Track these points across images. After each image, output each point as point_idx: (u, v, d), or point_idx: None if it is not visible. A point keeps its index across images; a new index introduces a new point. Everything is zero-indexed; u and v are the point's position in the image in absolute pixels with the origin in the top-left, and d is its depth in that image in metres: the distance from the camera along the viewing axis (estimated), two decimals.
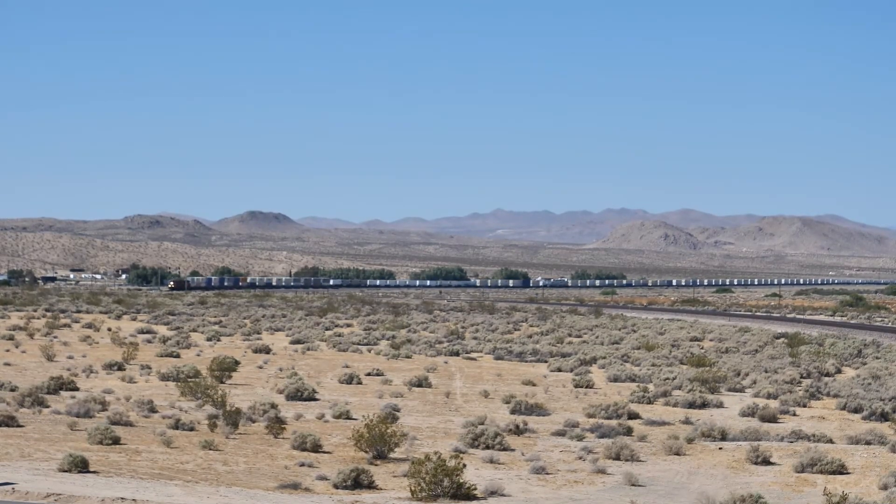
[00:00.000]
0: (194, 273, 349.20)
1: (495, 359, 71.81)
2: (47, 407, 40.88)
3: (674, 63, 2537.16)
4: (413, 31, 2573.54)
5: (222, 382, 51.36)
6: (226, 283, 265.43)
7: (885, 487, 29.08)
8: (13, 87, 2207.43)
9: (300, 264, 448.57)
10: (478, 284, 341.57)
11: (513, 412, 43.97)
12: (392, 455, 32.84)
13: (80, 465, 28.78)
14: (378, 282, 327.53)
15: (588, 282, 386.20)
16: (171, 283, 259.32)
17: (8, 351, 66.70)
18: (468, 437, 35.71)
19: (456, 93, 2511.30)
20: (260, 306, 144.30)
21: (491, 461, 32.78)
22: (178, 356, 66.43)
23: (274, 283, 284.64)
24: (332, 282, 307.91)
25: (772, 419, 43.47)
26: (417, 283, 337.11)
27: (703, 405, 47.95)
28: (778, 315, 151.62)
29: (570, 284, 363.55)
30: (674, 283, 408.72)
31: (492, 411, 44.32)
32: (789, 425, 41.64)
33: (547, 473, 31.24)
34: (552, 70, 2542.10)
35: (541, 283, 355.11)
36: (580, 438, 37.59)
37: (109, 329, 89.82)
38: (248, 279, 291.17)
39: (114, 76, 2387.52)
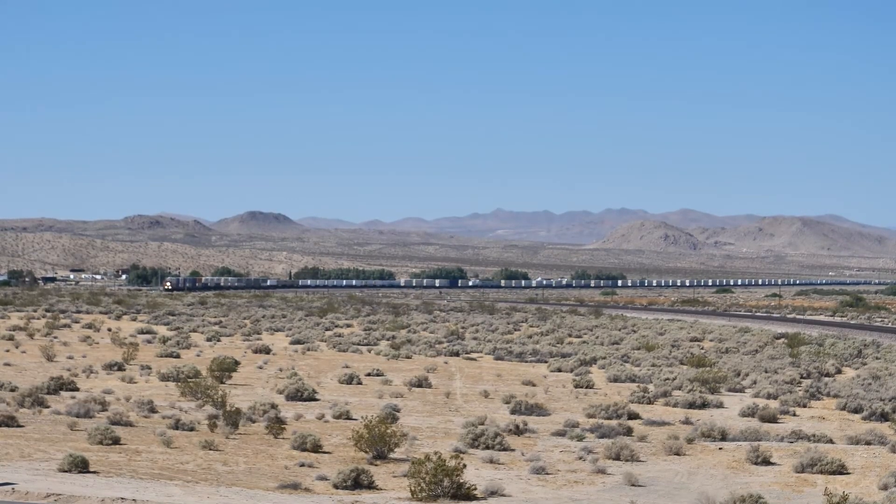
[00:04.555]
0: (194, 273, 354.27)
1: (495, 359, 71.80)
2: (47, 407, 40.89)
3: (674, 63, 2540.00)
4: (413, 30, 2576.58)
5: (222, 383, 51.37)
6: (188, 284, 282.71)
7: (885, 487, 29.08)
8: (13, 87, 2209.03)
9: (300, 265, 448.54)
10: (402, 284, 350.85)
11: (513, 412, 43.98)
12: (392, 455, 32.84)
13: (80, 466, 28.78)
14: (309, 282, 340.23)
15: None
16: (168, 283, 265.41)
17: (8, 351, 66.70)
18: (468, 437, 35.71)
19: (456, 93, 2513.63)
20: (260, 306, 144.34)
21: (491, 461, 32.77)
22: (178, 356, 66.45)
23: (222, 284, 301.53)
24: (268, 282, 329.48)
25: (772, 419, 43.49)
26: (344, 282, 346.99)
27: (703, 405, 47.98)
28: (778, 315, 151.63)
29: (503, 285, 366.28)
30: (647, 282, 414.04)
31: (492, 411, 44.34)
32: (789, 425, 41.66)
33: (547, 473, 31.23)
34: (553, 70, 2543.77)
35: (470, 284, 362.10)
36: (580, 438, 37.58)
37: (109, 329, 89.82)
38: (203, 279, 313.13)
39: (113, 76, 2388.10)
